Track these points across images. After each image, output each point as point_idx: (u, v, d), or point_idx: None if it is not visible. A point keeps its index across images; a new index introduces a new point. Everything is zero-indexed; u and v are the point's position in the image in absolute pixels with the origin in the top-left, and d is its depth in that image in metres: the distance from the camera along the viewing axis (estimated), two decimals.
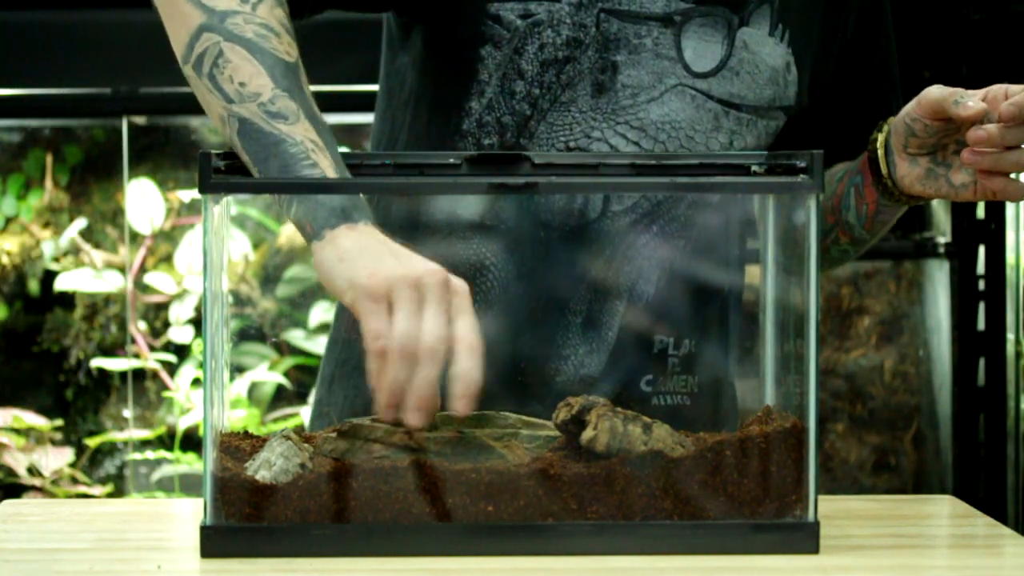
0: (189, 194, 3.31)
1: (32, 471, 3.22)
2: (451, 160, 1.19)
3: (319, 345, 3.19)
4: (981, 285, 3.19)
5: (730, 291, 1.50)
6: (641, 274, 1.42)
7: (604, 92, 1.40)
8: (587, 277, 1.42)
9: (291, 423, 3.20)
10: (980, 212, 3.18)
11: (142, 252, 3.31)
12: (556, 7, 1.39)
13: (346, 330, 1.51)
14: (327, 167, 1.20)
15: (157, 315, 3.36)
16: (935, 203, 3.34)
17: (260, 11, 1.27)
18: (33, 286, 3.42)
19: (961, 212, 3.19)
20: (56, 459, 3.25)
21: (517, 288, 1.41)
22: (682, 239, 1.43)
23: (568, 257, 1.42)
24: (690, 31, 1.41)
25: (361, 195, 1.20)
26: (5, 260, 3.41)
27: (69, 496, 3.23)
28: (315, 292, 3.26)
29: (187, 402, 3.26)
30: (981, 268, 3.19)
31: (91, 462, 3.38)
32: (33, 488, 3.22)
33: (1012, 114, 1.23)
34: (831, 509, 1.29)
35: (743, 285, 1.51)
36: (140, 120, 3.30)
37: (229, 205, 1.19)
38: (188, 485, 3.23)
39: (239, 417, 3.10)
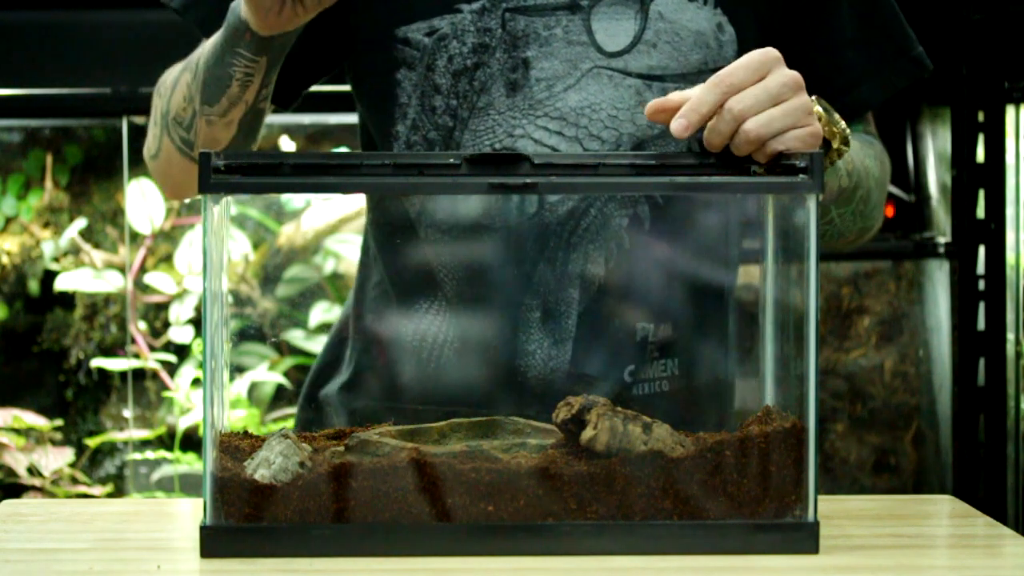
0: None
1: (32, 471, 3.22)
2: (451, 160, 1.19)
3: (319, 345, 3.19)
4: (981, 285, 3.19)
5: (690, 269, 1.50)
6: (589, 258, 1.42)
7: (518, 89, 1.42)
8: (537, 271, 1.42)
9: (291, 423, 3.20)
10: (980, 212, 3.18)
11: (142, 252, 3.31)
12: (459, 18, 1.42)
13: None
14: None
15: (157, 315, 3.36)
16: (935, 203, 3.34)
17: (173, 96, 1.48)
18: (33, 286, 3.42)
19: (961, 212, 3.19)
20: (56, 459, 3.25)
21: (472, 293, 1.43)
22: (625, 218, 1.43)
23: (516, 255, 1.43)
24: (599, 13, 1.42)
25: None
26: (5, 260, 3.41)
27: (69, 496, 3.23)
28: (315, 292, 3.26)
29: (187, 402, 3.26)
30: (981, 268, 3.19)
31: (91, 462, 3.38)
32: (33, 488, 3.22)
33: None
34: (831, 509, 1.29)
35: (700, 264, 1.50)
36: (140, 120, 3.30)
37: (229, 205, 1.19)
38: (188, 485, 3.23)
39: (239, 417, 3.10)
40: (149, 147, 1.51)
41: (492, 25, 1.42)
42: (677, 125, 1.19)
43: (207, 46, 1.43)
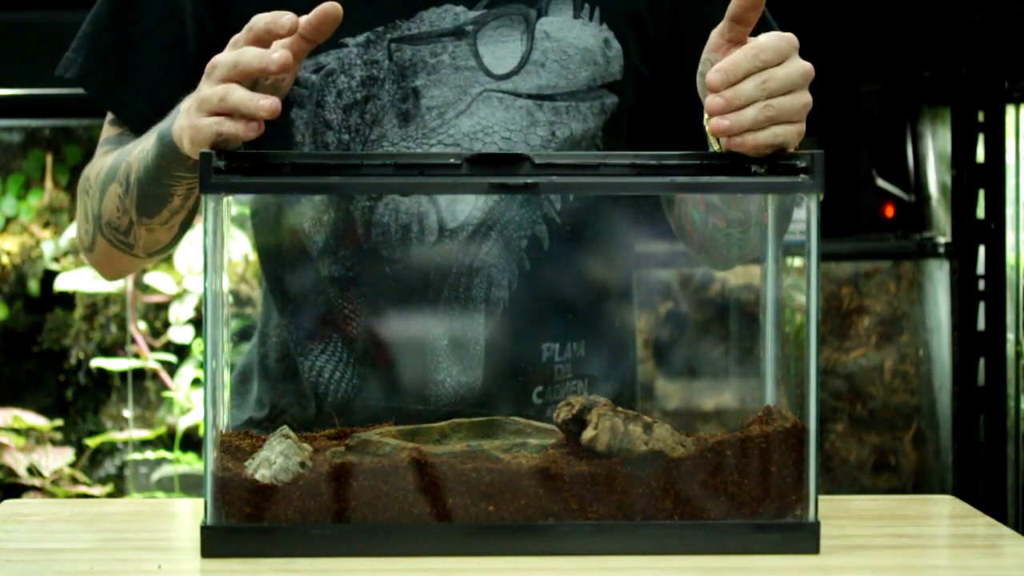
0: None
1: (32, 471, 3.23)
2: (451, 160, 1.19)
3: None
4: (981, 285, 3.19)
5: (596, 282, 1.50)
6: (493, 282, 1.43)
7: (410, 119, 1.42)
8: (442, 299, 1.42)
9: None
10: (980, 212, 3.18)
11: None
12: (344, 52, 1.42)
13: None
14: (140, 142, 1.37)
15: (157, 315, 3.36)
16: (935, 203, 3.34)
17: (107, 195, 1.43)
18: (33, 286, 3.42)
19: (961, 212, 3.19)
20: (56, 459, 3.25)
21: (377, 326, 1.43)
22: (525, 239, 1.43)
23: (420, 284, 1.43)
24: (485, 37, 1.43)
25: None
26: (5, 260, 3.41)
27: (69, 496, 3.23)
28: None
29: (187, 402, 3.26)
30: (981, 268, 3.19)
31: (91, 462, 3.38)
32: (33, 488, 3.22)
33: (721, 79, 1.19)
34: (831, 509, 1.29)
35: (608, 276, 1.50)
36: None
37: (229, 205, 1.19)
38: (188, 485, 3.23)
39: None
40: (82, 239, 1.49)
41: (379, 57, 1.42)
42: (717, 126, 1.18)
43: (133, 160, 1.38)
